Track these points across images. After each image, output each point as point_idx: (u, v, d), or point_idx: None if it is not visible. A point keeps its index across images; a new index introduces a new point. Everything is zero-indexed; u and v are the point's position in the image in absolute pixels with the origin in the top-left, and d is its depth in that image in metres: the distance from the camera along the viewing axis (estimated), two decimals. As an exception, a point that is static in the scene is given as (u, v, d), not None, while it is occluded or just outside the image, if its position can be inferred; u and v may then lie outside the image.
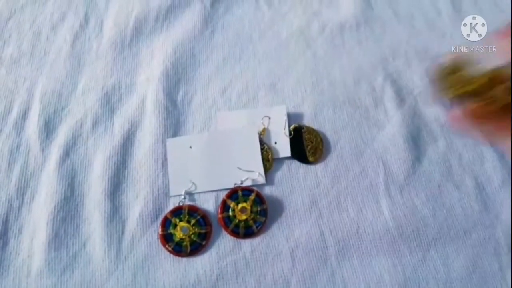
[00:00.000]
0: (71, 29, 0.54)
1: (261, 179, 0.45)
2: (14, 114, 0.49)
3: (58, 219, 0.43)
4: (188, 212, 0.43)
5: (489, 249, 0.42)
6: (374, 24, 0.56)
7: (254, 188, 0.45)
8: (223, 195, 0.44)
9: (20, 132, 0.47)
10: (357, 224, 0.44)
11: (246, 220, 0.43)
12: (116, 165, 0.46)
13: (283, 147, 0.47)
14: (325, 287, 0.41)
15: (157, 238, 0.42)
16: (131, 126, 0.48)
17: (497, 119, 0.31)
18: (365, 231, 0.43)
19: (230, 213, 0.43)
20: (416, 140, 0.48)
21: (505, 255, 0.42)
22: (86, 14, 0.55)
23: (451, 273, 0.41)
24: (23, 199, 0.44)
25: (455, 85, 0.30)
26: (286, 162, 0.47)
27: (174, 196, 0.45)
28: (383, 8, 0.57)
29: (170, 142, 0.47)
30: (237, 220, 0.43)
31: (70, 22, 0.55)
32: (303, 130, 0.48)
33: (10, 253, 0.42)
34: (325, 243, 0.43)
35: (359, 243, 0.43)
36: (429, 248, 0.42)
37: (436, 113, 0.48)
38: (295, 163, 0.47)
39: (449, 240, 0.43)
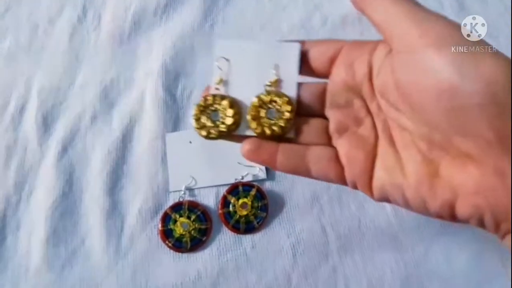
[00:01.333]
0: (69, 23, 0.53)
1: (262, 174, 0.45)
2: (11, 108, 0.48)
3: (56, 215, 0.42)
4: (188, 207, 0.43)
5: (491, 244, 0.42)
6: (375, 17, 0.55)
7: (255, 183, 0.44)
8: (223, 190, 0.44)
9: (17, 127, 0.47)
10: (359, 219, 0.43)
11: (246, 216, 0.42)
12: (115, 160, 0.45)
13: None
14: (326, 283, 0.41)
15: (157, 234, 0.42)
16: (130, 121, 0.48)
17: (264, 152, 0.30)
18: (366, 226, 0.43)
19: (231, 208, 0.43)
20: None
21: (507, 251, 0.42)
22: (84, 7, 0.55)
23: (454, 268, 0.41)
24: (20, 195, 0.44)
25: (206, 126, 0.30)
26: (287, 157, 0.46)
27: (174, 191, 0.44)
28: None
29: (170, 137, 0.46)
30: (237, 216, 0.42)
31: (67, 15, 0.54)
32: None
33: (8, 249, 0.41)
34: (327, 238, 0.42)
35: (361, 238, 0.42)
36: (431, 243, 0.42)
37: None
38: (296, 158, 0.46)
39: (452, 235, 0.42)
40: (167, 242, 0.41)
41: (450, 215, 0.25)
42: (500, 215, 0.23)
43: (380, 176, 0.28)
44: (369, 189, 0.28)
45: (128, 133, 0.47)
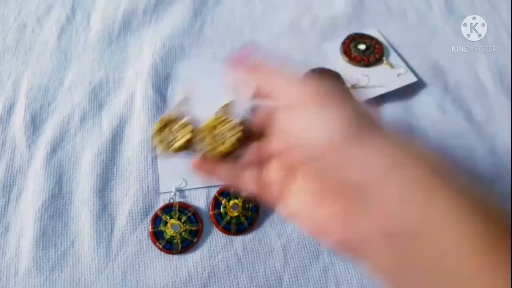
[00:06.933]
0: (58, 22, 0.53)
1: (253, 175, 0.45)
2: (-1, 109, 0.47)
3: (45, 217, 0.42)
4: (179, 209, 0.43)
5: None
6: (366, 18, 0.55)
7: (246, 184, 0.44)
8: (214, 191, 0.44)
9: (5, 128, 0.46)
10: (349, 219, 0.43)
11: (237, 217, 0.42)
12: (104, 161, 0.45)
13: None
14: (317, 283, 0.41)
15: (148, 236, 0.42)
16: (120, 121, 0.47)
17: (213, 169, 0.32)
18: (357, 227, 0.43)
19: (222, 209, 0.43)
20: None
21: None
22: (72, 7, 0.54)
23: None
24: (9, 197, 0.43)
25: (163, 142, 0.33)
26: (278, 157, 0.46)
27: (164, 193, 0.44)
28: (375, 2, 0.57)
29: (160, 137, 0.46)
30: (228, 217, 0.42)
31: (56, 14, 0.53)
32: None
33: (-3, 252, 0.41)
34: (317, 239, 0.43)
35: (351, 238, 0.43)
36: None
37: (427, 108, 0.48)
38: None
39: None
40: (157, 243, 0.41)
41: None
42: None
43: (289, 201, 0.29)
44: (284, 211, 0.30)
45: (118, 134, 0.47)
